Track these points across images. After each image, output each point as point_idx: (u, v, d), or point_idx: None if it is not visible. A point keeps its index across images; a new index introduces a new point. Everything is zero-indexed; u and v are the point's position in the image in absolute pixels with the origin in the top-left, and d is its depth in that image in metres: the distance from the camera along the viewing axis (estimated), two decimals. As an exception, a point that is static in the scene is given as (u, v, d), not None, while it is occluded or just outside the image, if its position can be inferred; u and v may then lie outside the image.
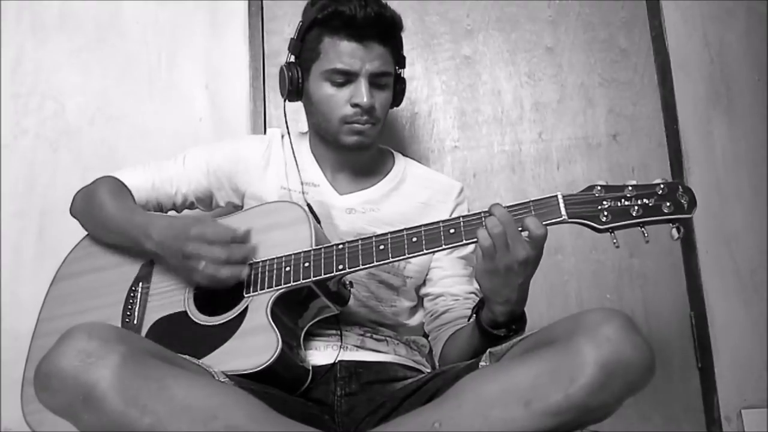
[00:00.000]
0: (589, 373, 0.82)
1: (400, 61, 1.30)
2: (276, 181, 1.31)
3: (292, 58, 1.27)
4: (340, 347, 1.19)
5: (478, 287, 1.30)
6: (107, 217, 1.23)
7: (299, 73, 1.26)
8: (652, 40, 1.78)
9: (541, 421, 0.83)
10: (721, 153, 1.72)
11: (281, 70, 1.28)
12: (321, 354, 1.19)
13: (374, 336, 1.24)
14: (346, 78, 1.21)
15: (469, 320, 1.13)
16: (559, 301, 1.66)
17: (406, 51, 1.75)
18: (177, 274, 1.17)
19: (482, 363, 0.99)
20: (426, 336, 1.36)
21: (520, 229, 0.98)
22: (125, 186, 1.31)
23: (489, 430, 0.83)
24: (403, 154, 1.45)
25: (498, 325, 1.05)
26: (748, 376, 1.62)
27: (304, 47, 1.25)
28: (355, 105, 1.21)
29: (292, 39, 1.27)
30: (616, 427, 0.98)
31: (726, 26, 1.78)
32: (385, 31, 1.21)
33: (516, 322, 1.06)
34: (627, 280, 1.68)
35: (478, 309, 1.10)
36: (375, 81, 1.22)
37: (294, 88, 1.26)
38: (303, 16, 1.26)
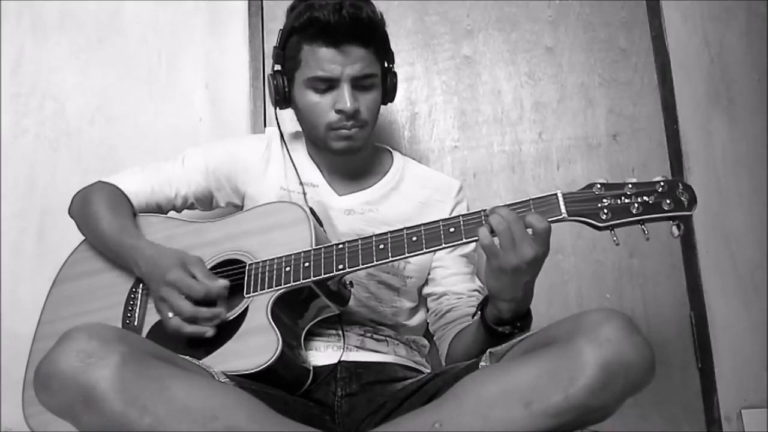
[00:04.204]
0: (589, 373, 0.82)
1: (387, 58, 1.28)
2: (275, 181, 1.31)
3: (277, 67, 1.26)
4: (344, 347, 1.19)
5: (481, 285, 1.31)
6: (100, 234, 1.24)
7: (285, 82, 1.25)
8: (652, 40, 1.78)
9: (541, 422, 0.83)
10: (721, 153, 1.72)
11: (267, 79, 1.28)
12: (321, 354, 1.19)
13: (374, 336, 1.24)
14: (328, 84, 1.19)
15: (473, 317, 1.13)
16: (559, 301, 1.66)
17: (407, 51, 1.77)
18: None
19: (482, 363, 0.99)
20: (427, 336, 1.36)
21: None
22: (123, 194, 1.30)
23: (489, 431, 0.83)
24: (402, 154, 1.45)
25: (503, 322, 1.05)
26: (748, 376, 1.62)
27: (286, 56, 1.24)
28: (339, 111, 1.19)
29: (274, 47, 1.26)
30: (616, 427, 0.98)
31: (726, 26, 1.78)
32: (363, 33, 1.17)
33: (521, 319, 1.06)
34: (627, 280, 1.68)
35: (482, 306, 1.09)
36: (358, 84, 1.20)
37: (281, 97, 1.26)
38: (284, 24, 1.25)
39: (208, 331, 1.07)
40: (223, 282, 1.09)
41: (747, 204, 1.70)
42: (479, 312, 1.11)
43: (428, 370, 1.29)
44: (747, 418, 1.59)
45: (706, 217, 1.68)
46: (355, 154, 1.27)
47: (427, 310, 1.35)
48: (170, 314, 1.08)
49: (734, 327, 1.64)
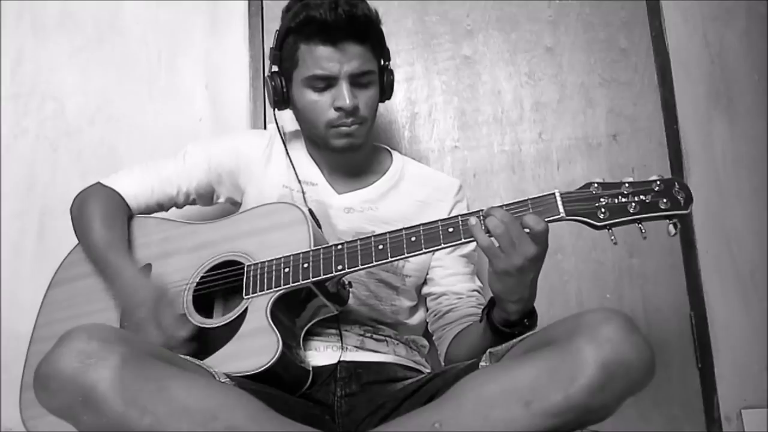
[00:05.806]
0: (589, 373, 0.82)
1: (383, 55, 1.28)
2: (277, 178, 1.31)
3: (275, 68, 1.27)
4: (342, 347, 1.19)
5: (481, 285, 1.31)
6: (90, 245, 1.24)
7: (283, 82, 1.25)
8: (652, 40, 1.78)
9: (541, 422, 0.83)
10: (721, 153, 1.72)
11: (265, 81, 1.28)
12: (320, 354, 1.18)
13: (374, 336, 1.24)
14: (327, 82, 1.20)
15: (480, 321, 1.13)
16: (559, 301, 1.66)
17: (407, 51, 1.77)
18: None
19: (482, 363, 0.99)
20: (427, 336, 1.36)
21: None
22: (121, 199, 1.30)
23: (489, 431, 0.83)
24: (401, 153, 1.45)
25: (511, 324, 1.05)
26: (748, 376, 1.62)
27: (283, 56, 1.24)
28: (338, 108, 1.20)
29: (271, 48, 1.26)
30: (616, 427, 0.98)
31: (726, 26, 1.78)
32: (359, 30, 1.19)
33: (528, 316, 1.06)
34: (627, 280, 1.68)
35: (488, 310, 1.09)
36: (356, 81, 1.21)
37: (280, 98, 1.26)
38: (280, 24, 1.26)
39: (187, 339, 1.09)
40: (186, 332, 1.09)
41: (747, 204, 1.69)
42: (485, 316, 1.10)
43: (428, 370, 1.29)
44: (747, 418, 1.59)
45: (706, 217, 1.68)
46: (355, 152, 1.27)
47: (427, 310, 1.35)
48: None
49: (734, 327, 1.64)
